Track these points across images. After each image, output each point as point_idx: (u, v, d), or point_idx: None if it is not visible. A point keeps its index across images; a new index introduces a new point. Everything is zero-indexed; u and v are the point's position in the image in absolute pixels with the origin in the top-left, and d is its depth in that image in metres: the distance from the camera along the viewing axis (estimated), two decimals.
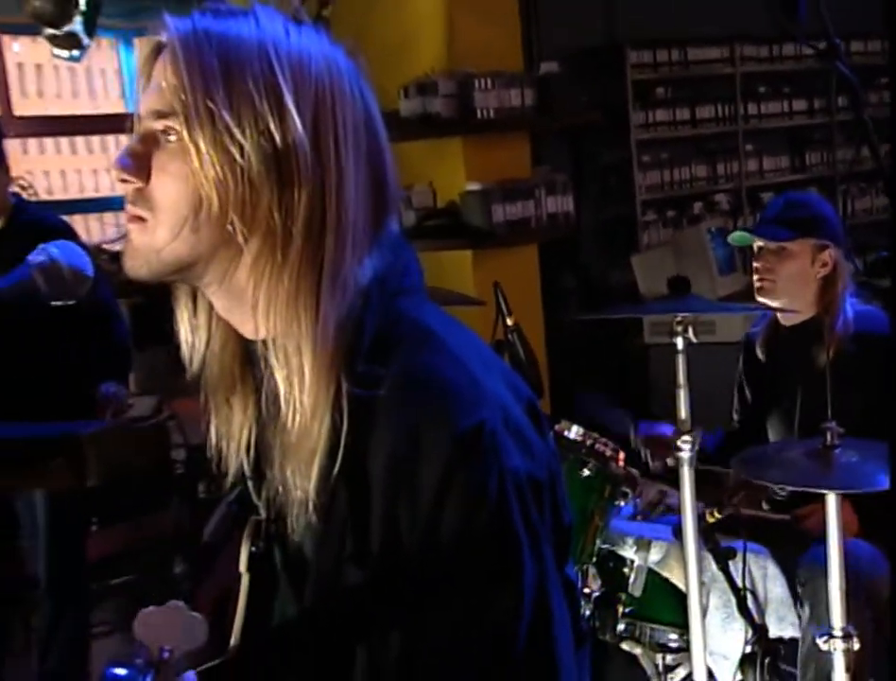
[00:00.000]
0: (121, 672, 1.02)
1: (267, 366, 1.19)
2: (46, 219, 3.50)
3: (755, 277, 3.00)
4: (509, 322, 2.50)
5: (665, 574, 2.61)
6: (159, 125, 1.15)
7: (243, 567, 1.30)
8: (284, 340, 1.15)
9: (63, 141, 10.26)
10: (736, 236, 3.22)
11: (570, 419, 2.55)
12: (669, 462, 2.73)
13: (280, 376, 1.16)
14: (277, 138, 1.13)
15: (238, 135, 1.12)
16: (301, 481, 1.15)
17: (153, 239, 1.16)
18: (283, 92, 1.13)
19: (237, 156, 1.12)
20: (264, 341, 1.19)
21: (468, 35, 4.36)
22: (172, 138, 1.14)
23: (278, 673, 1.28)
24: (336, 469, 1.14)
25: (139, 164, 1.16)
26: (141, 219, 1.17)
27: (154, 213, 1.16)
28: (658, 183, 6.15)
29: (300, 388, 1.14)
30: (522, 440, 1.16)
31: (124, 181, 1.17)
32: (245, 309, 1.19)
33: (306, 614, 1.25)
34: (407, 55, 4.31)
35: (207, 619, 1.43)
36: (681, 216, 6.23)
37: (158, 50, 1.18)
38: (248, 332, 1.22)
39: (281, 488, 1.21)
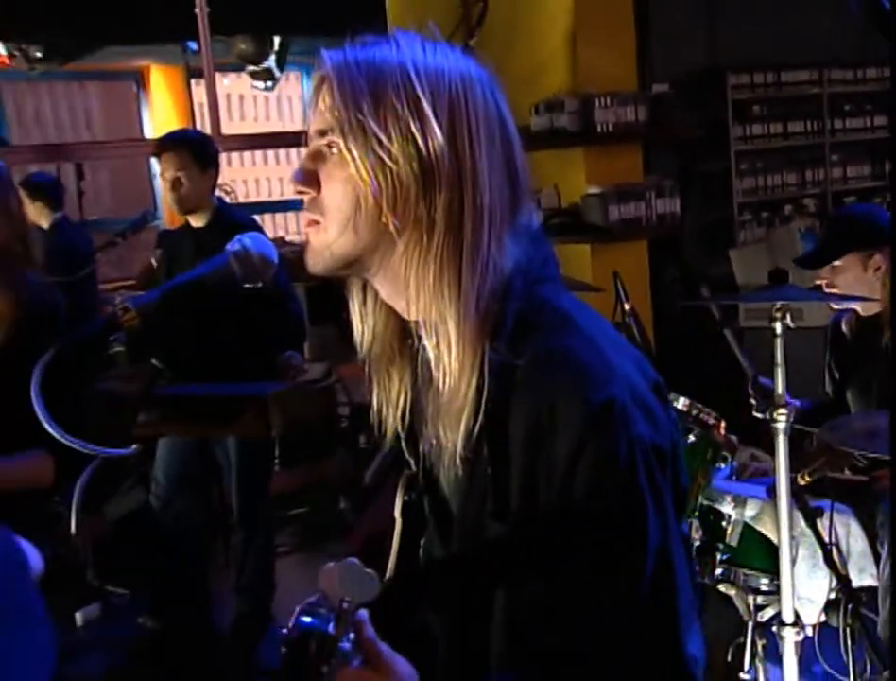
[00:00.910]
0: (309, 619, 0.99)
1: (421, 340, 1.16)
2: (239, 217, 3.55)
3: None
4: (627, 307, 2.42)
5: (759, 528, 2.51)
6: (323, 141, 1.14)
7: (397, 513, 1.29)
8: (433, 315, 1.13)
9: (258, 154, 10.56)
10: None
11: (678, 391, 2.46)
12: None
13: (430, 346, 1.14)
14: (419, 140, 1.10)
15: (385, 141, 1.10)
16: (451, 435, 1.12)
17: (326, 238, 1.15)
18: (421, 100, 1.10)
19: (386, 159, 1.10)
20: (418, 320, 1.17)
21: (590, 61, 4.29)
22: (334, 151, 1.13)
23: (425, 606, 1.26)
24: (479, 428, 1.11)
25: (310, 177, 1.16)
26: (315, 223, 1.16)
27: (325, 215, 1.15)
28: (753, 187, 6.01)
29: (448, 355, 1.11)
30: (648, 413, 1.11)
31: (300, 192, 1.16)
32: (402, 292, 1.16)
33: (451, 557, 1.22)
34: (539, 78, 4.25)
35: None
36: (774, 216, 6.06)
37: (321, 82, 1.17)
38: (405, 312, 1.19)
39: (433, 444, 1.18)
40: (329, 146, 1.14)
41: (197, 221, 3.52)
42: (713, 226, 5.81)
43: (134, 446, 1.39)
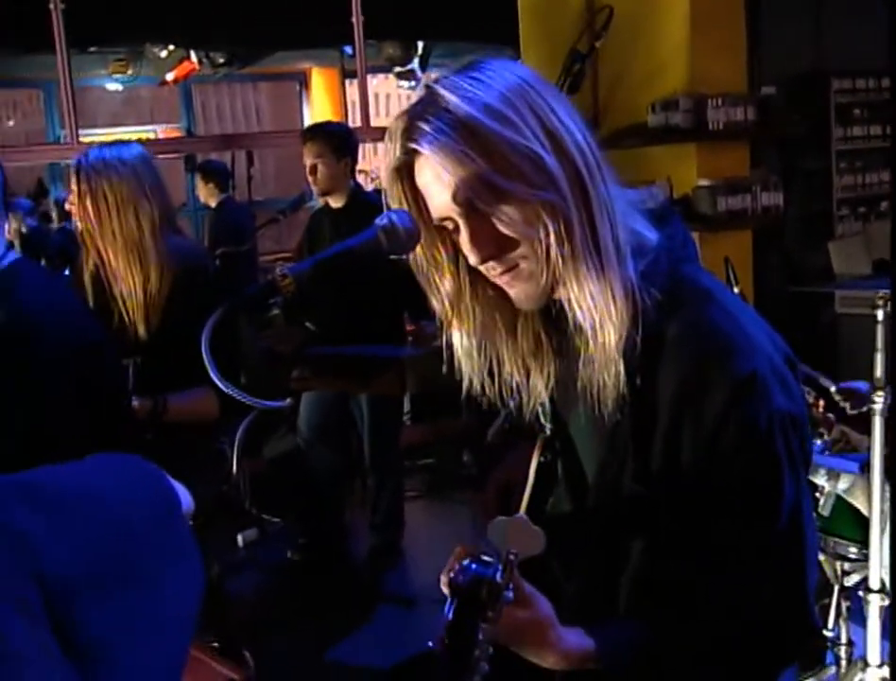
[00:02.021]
0: (479, 565, 0.95)
1: (571, 316, 1.08)
2: (372, 198, 3.54)
3: None
4: (736, 290, 2.30)
5: (851, 500, 2.35)
6: (480, 209, 1.04)
7: (532, 470, 1.23)
8: (579, 296, 1.05)
9: None
10: None
11: None
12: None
13: (574, 320, 1.07)
14: (536, 158, 1.01)
15: (518, 185, 1.02)
16: (599, 401, 1.07)
17: (535, 276, 1.07)
18: (510, 127, 1.00)
19: (528, 193, 1.02)
20: (567, 301, 1.09)
21: (704, 65, 4.08)
22: (494, 211, 1.04)
23: (555, 558, 1.20)
24: (624, 396, 1.05)
25: (493, 245, 1.06)
26: (513, 268, 1.07)
27: (524, 257, 1.06)
28: (852, 184, 5.66)
29: (598, 329, 1.05)
30: (784, 384, 1.05)
31: (490, 259, 1.06)
32: (546, 279, 1.07)
33: (586, 514, 1.16)
34: (656, 79, 4.06)
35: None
36: (870, 212, 5.68)
37: (409, 164, 1.08)
38: (555, 295, 1.11)
39: (578, 410, 1.13)
40: (487, 210, 1.04)
41: (335, 202, 3.52)
42: (813, 219, 5.54)
43: (288, 400, 1.38)
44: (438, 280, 1.15)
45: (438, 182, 1.05)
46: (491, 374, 1.18)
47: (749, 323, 1.07)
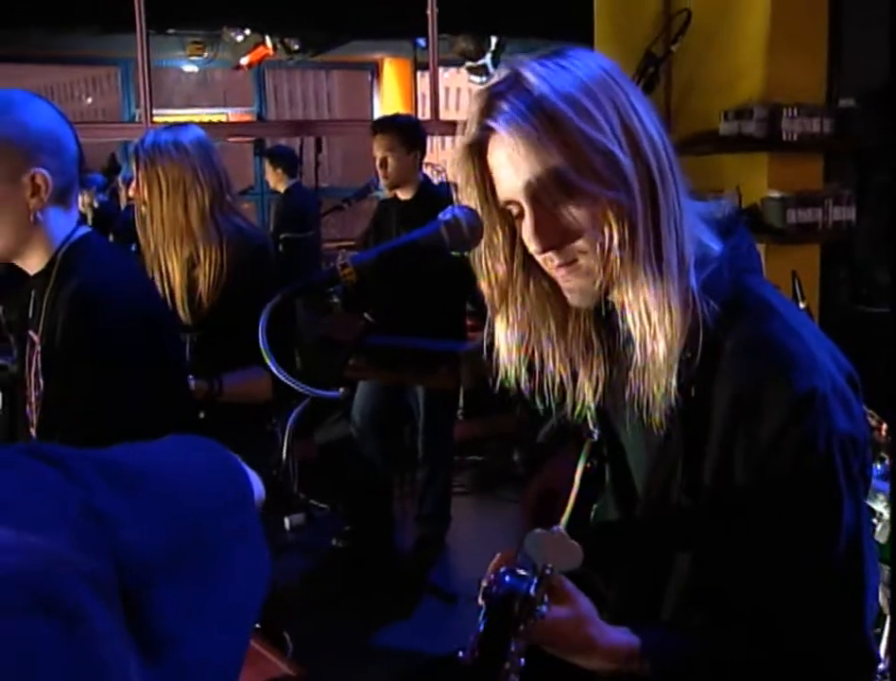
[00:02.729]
0: (514, 578, 0.94)
1: (623, 322, 1.06)
2: (441, 192, 3.54)
3: None
4: (802, 305, 2.24)
5: None
6: (547, 199, 1.02)
7: (578, 477, 1.21)
8: (632, 302, 1.03)
9: None
10: None
11: None
12: None
13: (632, 325, 1.05)
14: (609, 155, 0.99)
15: (592, 183, 1.00)
16: (647, 411, 1.04)
17: (589, 272, 1.04)
18: (589, 120, 0.98)
19: (601, 189, 1.00)
20: (620, 305, 1.08)
21: (781, 74, 3.99)
22: (561, 202, 1.02)
23: (598, 565, 1.17)
24: (677, 404, 1.03)
25: (556, 235, 1.04)
26: (572, 262, 1.05)
27: (584, 252, 1.04)
28: None
29: (649, 339, 1.02)
30: (845, 404, 1.01)
31: (548, 249, 1.05)
32: (600, 281, 1.06)
33: (634, 523, 1.14)
34: (731, 86, 3.99)
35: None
36: None
37: (483, 142, 1.06)
38: (609, 297, 1.10)
39: (627, 418, 1.10)
40: (555, 201, 1.03)
41: (404, 194, 3.53)
42: (886, 236, 5.41)
43: (341, 390, 1.38)
44: (490, 263, 1.14)
45: (510, 164, 1.03)
46: (531, 370, 1.16)
47: (812, 340, 1.03)
